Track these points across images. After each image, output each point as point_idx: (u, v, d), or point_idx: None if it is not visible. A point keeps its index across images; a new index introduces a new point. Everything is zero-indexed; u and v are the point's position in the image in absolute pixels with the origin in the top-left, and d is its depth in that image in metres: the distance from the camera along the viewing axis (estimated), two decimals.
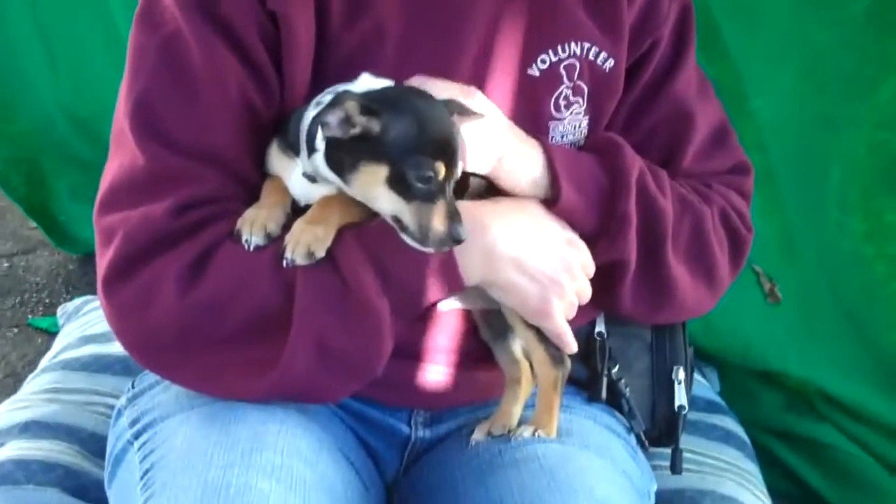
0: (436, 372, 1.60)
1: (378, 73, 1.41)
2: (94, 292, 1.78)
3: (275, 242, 1.38)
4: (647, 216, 1.54)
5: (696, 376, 2.19)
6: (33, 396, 2.05)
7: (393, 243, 1.37)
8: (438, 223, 1.31)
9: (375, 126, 1.31)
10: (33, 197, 3.36)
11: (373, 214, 1.40)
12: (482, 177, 1.47)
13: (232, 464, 1.32)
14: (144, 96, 1.43)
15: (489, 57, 1.53)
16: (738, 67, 2.04)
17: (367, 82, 1.39)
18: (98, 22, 2.75)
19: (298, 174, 1.43)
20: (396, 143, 1.31)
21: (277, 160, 1.46)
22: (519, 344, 1.57)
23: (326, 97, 1.34)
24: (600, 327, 1.70)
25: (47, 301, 3.38)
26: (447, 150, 1.33)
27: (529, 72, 1.55)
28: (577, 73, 1.56)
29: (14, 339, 3.20)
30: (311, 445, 1.42)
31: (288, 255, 1.35)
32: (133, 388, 1.61)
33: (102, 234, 1.44)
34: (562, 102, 1.57)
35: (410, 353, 1.54)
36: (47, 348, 2.44)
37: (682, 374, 1.74)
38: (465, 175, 1.42)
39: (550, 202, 1.49)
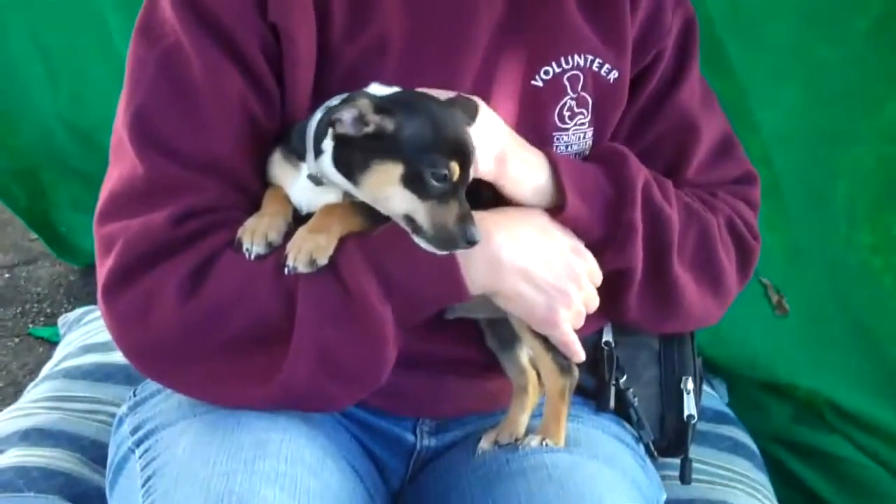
0: (442, 381, 1.60)
1: (377, 83, 1.41)
2: (95, 303, 1.78)
3: (276, 251, 1.38)
4: (653, 225, 1.53)
5: (705, 387, 2.19)
6: (34, 404, 2.04)
7: (396, 251, 1.37)
8: (452, 223, 1.30)
9: (389, 125, 1.30)
10: (34, 208, 3.38)
11: (375, 223, 1.39)
12: (487, 184, 1.46)
13: (235, 471, 1.31)
14: (144, 107, 1.43)
15: (493, 68, 1.53)
16: (742, 83, 2.04)
17: (378, 90, 1.38)
18: (96, 35, 2.76)
19: (301, 182, 1.42)
20: (412, 142, 1.30)
21: (280, 168, 1.46)
22: (526, 353, 1.57)
23: (336, 101, 1.34)
24: (608, 337, 1.70)
25: (48, 311, 3.39)
26: (461, 150, 1.33)
27: (533, 83, 1.55)
28: (581, 85, 1.56)
29: (15, 348, 3.20)
30: (314, 453, 1.41)
31: (290, 263, 1.35)
32: (134, 396, 1.61)
33: (102, 243, 1.43)
34: (566, 113, 1.57)
35: (416, 362, 1.52)
36: (48, 358, 2.44)
37: (690, 385, 1.74)
38: (477, 186, 1.41)
39: (556, 211, 1.48)
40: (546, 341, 1.50)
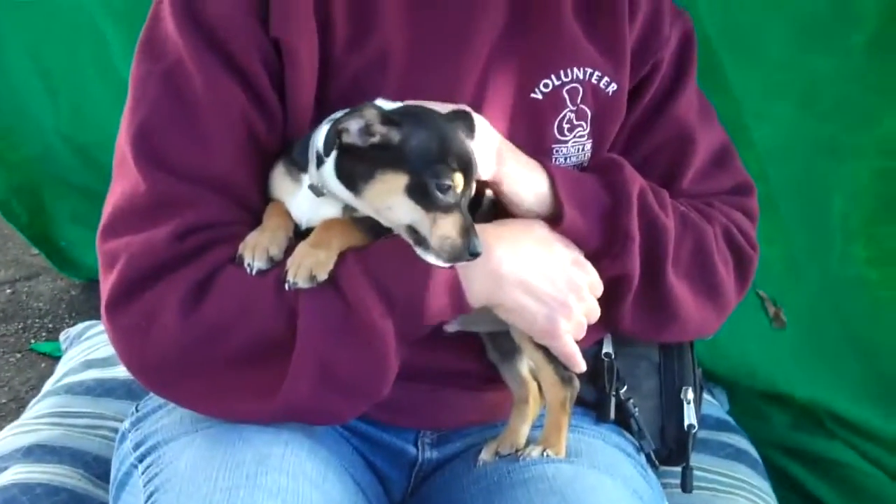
0: (443, 393, 1.60)
1: (382, 98, 1.42)
2: (96, 317, 1.78)
3: (277, 266, 1.38)
4: (649, 233, 1.54)
5: (706, 396, 2.19)
6: (37, 420, 2.04)
7: (396, 265, 1.37)
8: (456, 235, 1.31)
9: (395, 135, 1.32)
10: (35, 224, 3.39)
11: (375, 238, 1.40)
12: (487, 185, 1.47)
13: (237, 486, 1.32)
14: (146, 124, 1.44)
15: (493, 80, 1.54)
16: (737, 98, 2.04)
17: (383, 104, 1.38)
18: (96, 51, 2.76)
19: (302, 196, 1.43)
20: (417, 153, 1.31)
21: (281, 183, 1.46)
22: (526, 364, 1.57)
23: (340, 114, 1.35)
24: (607, 348, 1.70)
25: (50, 326, 3.39)
26: (465, 162, 1.34)
27: (533, 95, 1.56)
28: (580, 97, 1.57)
29: (17, 363, 3.20)
30: (317, 467, 1.42)
31: (290, 278, 1.35)
32: (137, 411, 1.61)
33: (105, 259, 1.44)
34: (566, 126, 1.58)
35: (417, 374, 1.53)
36: (50, 373, 2.44)
37: (690, 395, 1.74)
38: (478, 196, 1.42)
39: (553, 221, 1.49)
40: (547, 353, 1.50)
